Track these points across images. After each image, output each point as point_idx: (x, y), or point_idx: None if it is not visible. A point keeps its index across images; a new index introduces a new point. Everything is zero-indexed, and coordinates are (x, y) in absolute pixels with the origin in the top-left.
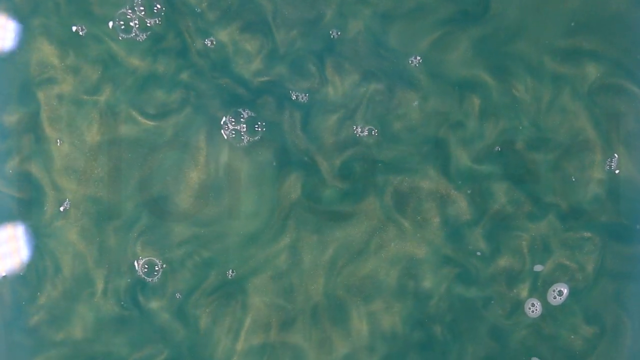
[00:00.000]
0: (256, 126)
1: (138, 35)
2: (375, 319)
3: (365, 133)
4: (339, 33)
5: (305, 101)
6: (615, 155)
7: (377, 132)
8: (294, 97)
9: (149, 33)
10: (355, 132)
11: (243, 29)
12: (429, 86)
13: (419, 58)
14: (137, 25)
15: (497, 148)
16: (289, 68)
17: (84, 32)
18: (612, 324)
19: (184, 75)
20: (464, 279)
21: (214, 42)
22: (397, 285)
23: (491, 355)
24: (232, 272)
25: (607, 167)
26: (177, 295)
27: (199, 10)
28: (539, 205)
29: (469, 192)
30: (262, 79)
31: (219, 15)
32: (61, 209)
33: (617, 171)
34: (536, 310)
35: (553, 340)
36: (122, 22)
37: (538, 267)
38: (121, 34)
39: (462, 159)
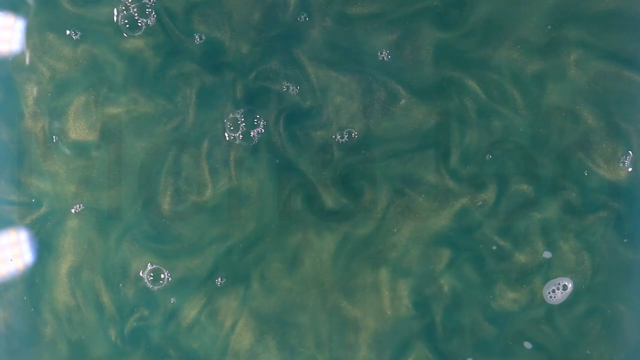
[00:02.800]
0: (255, 120)
1: (148, 24)
2: (379, 304)
3: (345, 138)
4: (307, 18)
5: (297, 93)
6: (630, 152)
7: (356, 134)
8: (284, 89)
9: (154, 16)
10: (335, 138)
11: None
12: (411, 85)
13: (387, 51)
14: (137, 14)
15: (489, 156)
16: (269, 62)
17: (77, 36)
18: (613, 318)
19: (175, 74)
20: (473, 264)
21: (203, 38)
22: (403, 270)
23: (487, 339)
24: (240, 274)
25: (621, 164)
26: (172, 300)
27: None
28: (546, 199)
29: (471, 187)
30: (251, 75)
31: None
32: (72, 211)
33: (630, 169)
34: (556, 296)
35: (554, 332)
36: (126, 21)
37: (547, 254)
38: (134, 33)
39: (457, 159)
